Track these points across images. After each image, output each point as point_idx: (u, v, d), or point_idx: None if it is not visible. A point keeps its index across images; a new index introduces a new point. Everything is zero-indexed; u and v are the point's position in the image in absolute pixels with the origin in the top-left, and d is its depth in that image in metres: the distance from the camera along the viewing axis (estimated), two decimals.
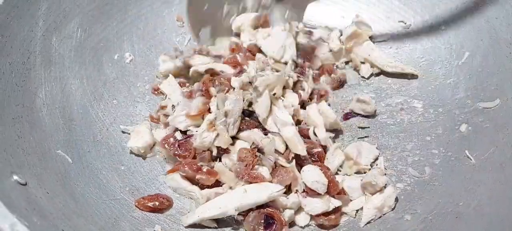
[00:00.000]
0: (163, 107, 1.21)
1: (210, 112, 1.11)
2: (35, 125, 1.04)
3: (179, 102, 1.16)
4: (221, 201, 1.02)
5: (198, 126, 1.12)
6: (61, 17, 1.19)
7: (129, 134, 1.16)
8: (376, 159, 1.12)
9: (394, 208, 1.04)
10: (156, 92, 1.26)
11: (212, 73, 1.23)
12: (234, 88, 1.12)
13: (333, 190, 1.03)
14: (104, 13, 1.27)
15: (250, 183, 1.04)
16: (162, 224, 1.02)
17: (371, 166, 1.11)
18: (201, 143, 1.08)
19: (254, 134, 1.09)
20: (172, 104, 1.18)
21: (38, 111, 1.07)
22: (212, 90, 1.13)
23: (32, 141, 1.01)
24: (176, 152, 1.09)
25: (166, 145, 1.11)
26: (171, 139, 1.11)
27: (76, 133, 1.11)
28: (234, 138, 1.10)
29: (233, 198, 1.01)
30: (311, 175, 1.02)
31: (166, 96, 1.23)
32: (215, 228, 1.02)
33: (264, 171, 1.05)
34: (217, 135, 1.08)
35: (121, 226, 0.98)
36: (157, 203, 1.04)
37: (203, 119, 1.12)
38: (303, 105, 1.18)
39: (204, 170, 1.06)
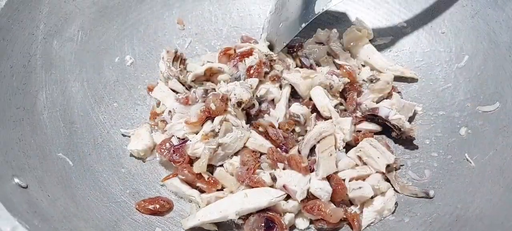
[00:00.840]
0: (157, 114, 1.21)
1: (212, 121, 1.11)
2: (36, 128, 1.04)
3: (175, 108, 1.16)
4: (222, 205, 1.02)
5: (197, 133, 1.12)
6: (62, 20, 1.19)
7: (129, 137, 1.17)
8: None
9: (394, 211, 1.04)
10: (150, 92, 1.26)
11: (211, 73, 1.23)
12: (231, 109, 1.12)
13: (339, 196, 1.03)
14: (104, 16, 1.28)
15: (251, 187, 1.04)
16: (163, 226, 1.02)
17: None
18: (192, 153, 1.08)
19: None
20: (168, 110, 1.18)
21: (39, 114, 1.07)
22: (213, 106, 1.11)
23: (33, 144, 1.01)
24: (171, 158, 1.10)
25: (161, 150, 1.11)
26: (167, 144, 1.12)
27: (76, 135, 1.12)
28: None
29: (234, 202, 1.01)
30: (316, 181, 1.03)
31: (159, 103, 1.23)
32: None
33: (265, 176, 1.05)
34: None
35: (122, 228, 0.98)
36: (157, 206, 1.05)
37: (202, 126, 1.12)
38: None
39: (206, 177, 1.06)
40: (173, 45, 1.34)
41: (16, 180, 0.90)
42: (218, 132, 1.08)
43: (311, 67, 1.25)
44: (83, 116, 1.16)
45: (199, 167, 1.06)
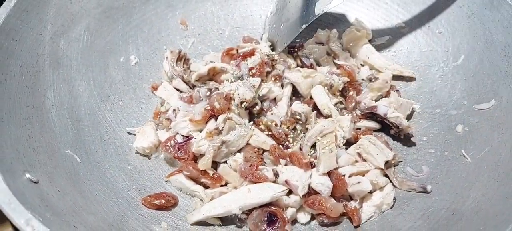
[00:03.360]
0: (161, 113, 1.23)
1: (215, 120, 1.14)
2: (45, 126, 1.07)
3: (180, 107, 1.19)
4: (226, 200, 1.05)
5: (200, 131, 1.15)
6: (68, 21, 1.21)
7: (134, 134, 1.19)
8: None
9: (393, 206, 1.07)
10: (154, 91, 1.29)
11: (214, 72, 1.26)
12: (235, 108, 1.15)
13: (339, 191, 1.06)
14: (110, 17, 1.30)
15: (254, 183, 1.07)
16: (168, 221, 1.05)
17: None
18: (197, 150, 1.11)
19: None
20: (173, 108, 1.21)
21: (47, 112, 1.09)
22: (217, 105, 1.13)
23: (42, 141, 1.03)
24: (176, 154, 1.12)
25: (166, 147, 1.14)
26: (172, 141, 1.14)
27: (84, 133, 1.14)
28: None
29: (237, 197, 1.04)
30: (317, 177, 1.05)
31: (163, 102, 1.26)
32: (220, 225, 1.05)
33: (268, 172, 1.08)
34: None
35: (129, 223, 1.01)
36: (163, 201, 1.07)
37: (206, 124, 1.15)
38: None
39: (210, 173, 1.09)
40: (176, 46, 1.37)
41: (28, 175, 0.92)
42: (222, 130, 1.11)
43: (311, 66, 1.28)
44: (90, 114, 1.18)
45: (204, 164, 1.08)
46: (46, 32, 1.16)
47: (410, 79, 1.30)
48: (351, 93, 1.23)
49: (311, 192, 1.05)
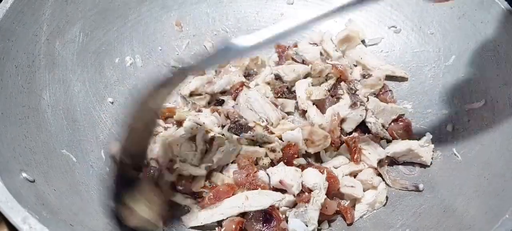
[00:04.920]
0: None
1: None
2: (41, 126, 1.07)
3: None
4: (223, 207, 1.05)
5: None
6: (64, 22, 1.22)
7: None
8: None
9: (385, 204, 1.09)
10: None
11: None
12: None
13: (332, 188, 1.07)
14: (105, 18, 1.31)
15: (251, 189, 1.07)
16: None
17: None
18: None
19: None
20: None
21: (43, 112, 1.10)
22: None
23: (38, 141, 1.04)
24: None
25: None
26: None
27: (79, 133, 1.15)
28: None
29: (235, 205, 1.04)
30: (313, 177, 1.06)
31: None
32: (216, 226, 1.06)
33: (265, 176, 1.08)
34: None
35: None
36: None
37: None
38: None
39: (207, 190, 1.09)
40: (171, 46, 1.38)
41: (24, 175, 0.92)
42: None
43: (303, 62, 1.30)
44: (86, 114, 1.19)
45: (198, 185, 1.09)
46: (41, 33, 1.16)
47: (402, 79, 1.31)
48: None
49: (304, 190, 1.06)
